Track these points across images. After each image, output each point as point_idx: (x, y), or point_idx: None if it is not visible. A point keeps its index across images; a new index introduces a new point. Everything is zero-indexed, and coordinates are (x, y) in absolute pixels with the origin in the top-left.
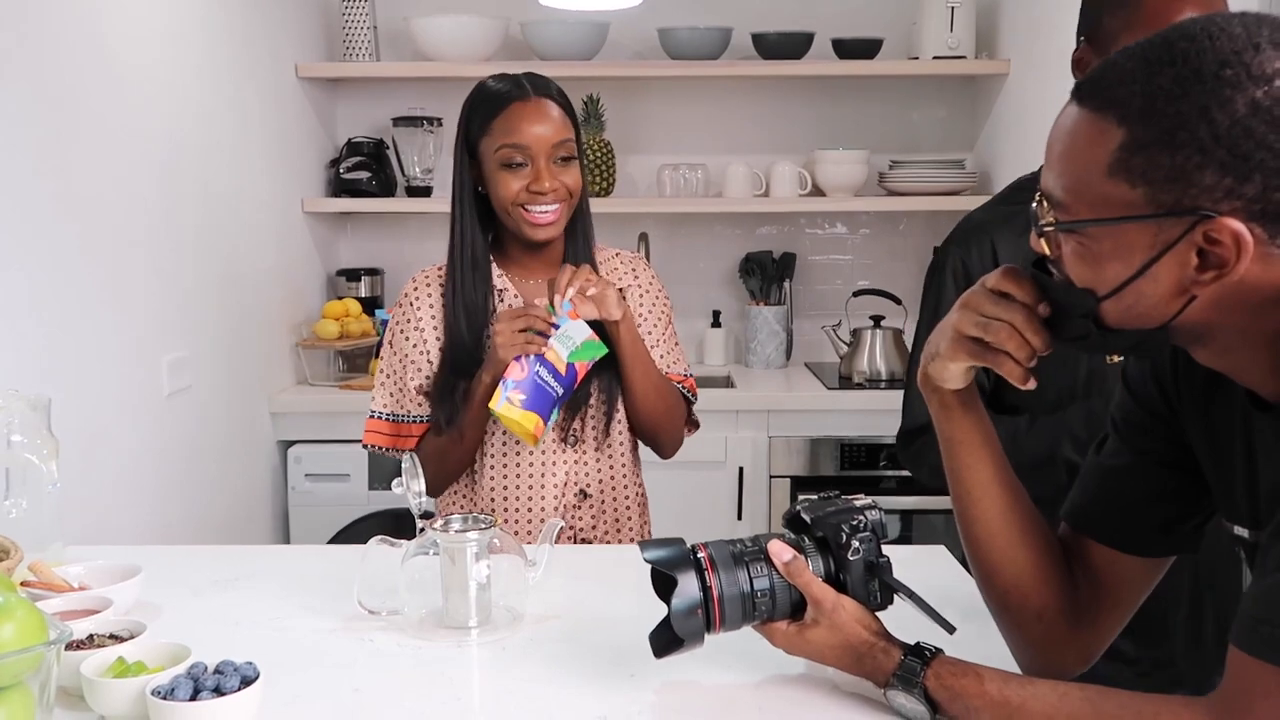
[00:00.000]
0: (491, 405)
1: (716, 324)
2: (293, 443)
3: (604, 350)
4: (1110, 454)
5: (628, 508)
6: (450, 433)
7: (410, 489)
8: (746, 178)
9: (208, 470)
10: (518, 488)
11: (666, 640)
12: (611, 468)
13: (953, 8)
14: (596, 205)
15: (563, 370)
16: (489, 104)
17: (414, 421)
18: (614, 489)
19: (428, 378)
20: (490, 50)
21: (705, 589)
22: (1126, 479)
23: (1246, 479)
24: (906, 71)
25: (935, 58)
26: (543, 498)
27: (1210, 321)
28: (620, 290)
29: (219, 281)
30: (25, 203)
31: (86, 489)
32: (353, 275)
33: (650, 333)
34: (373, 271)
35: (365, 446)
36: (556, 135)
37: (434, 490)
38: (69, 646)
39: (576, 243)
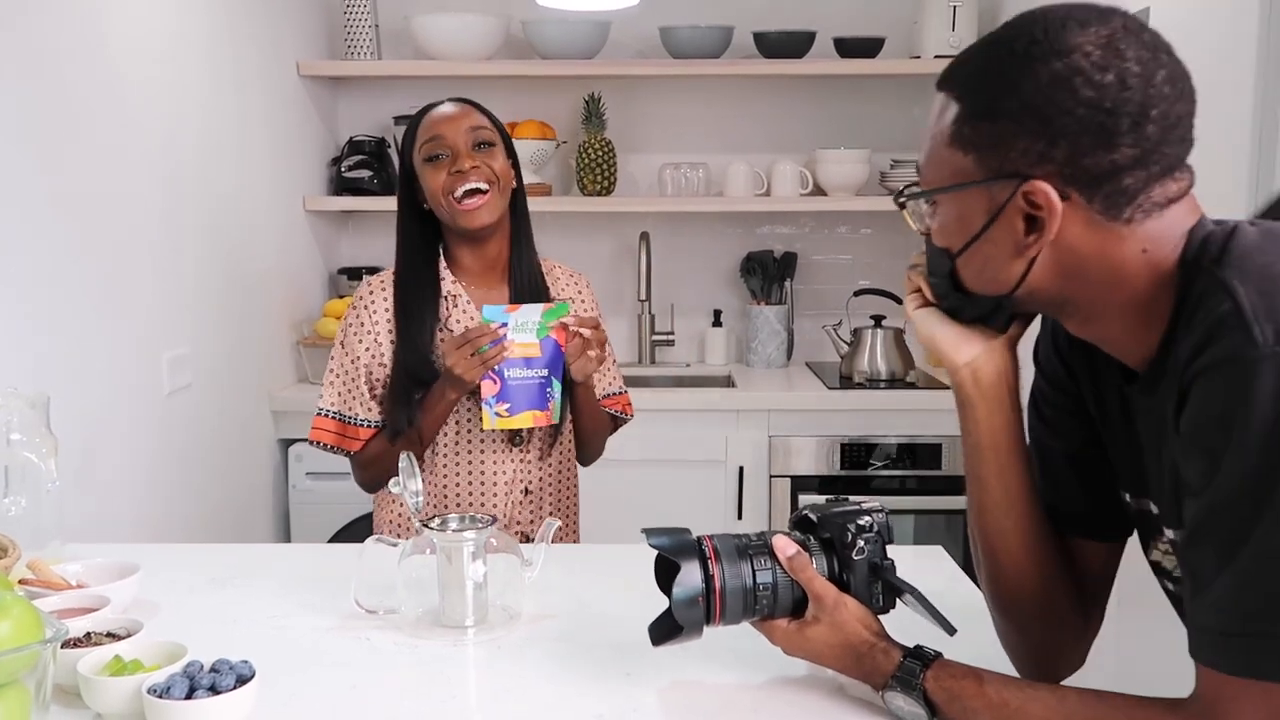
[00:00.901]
0: (485, 426)
1: (717, 323)
2: (294, 441)
3: (566, 308)
4: (1055, 446)
5: (568, 506)
6: (410, 434)
7: (407, 488)
8: (748, 177)
9: (208, 468)
10: (469, 484)
11: (666, 629)
12: (556, 469)
13: (955, 6)
14: (598, 205)
15: (538, 352)
16: (415, 122)
17: (360, 425)
18: (555, 488)
19: (380, 381)
20: (491, 49)
21: (708, 579)
22: (1068, 465)
23: (1130, 449)
24: (908, 71)
25: (937, 57)
26: (494, 494)
27: (1061, 290)
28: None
29: (220, 279)
30: (25, 200)
31: (86, 487)
32: (354, 274)
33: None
34: (374, 270)
35: (311, 443)
36: (471, 122)
37: (373, 488)
38: (66, 644)
39: (520, 247)
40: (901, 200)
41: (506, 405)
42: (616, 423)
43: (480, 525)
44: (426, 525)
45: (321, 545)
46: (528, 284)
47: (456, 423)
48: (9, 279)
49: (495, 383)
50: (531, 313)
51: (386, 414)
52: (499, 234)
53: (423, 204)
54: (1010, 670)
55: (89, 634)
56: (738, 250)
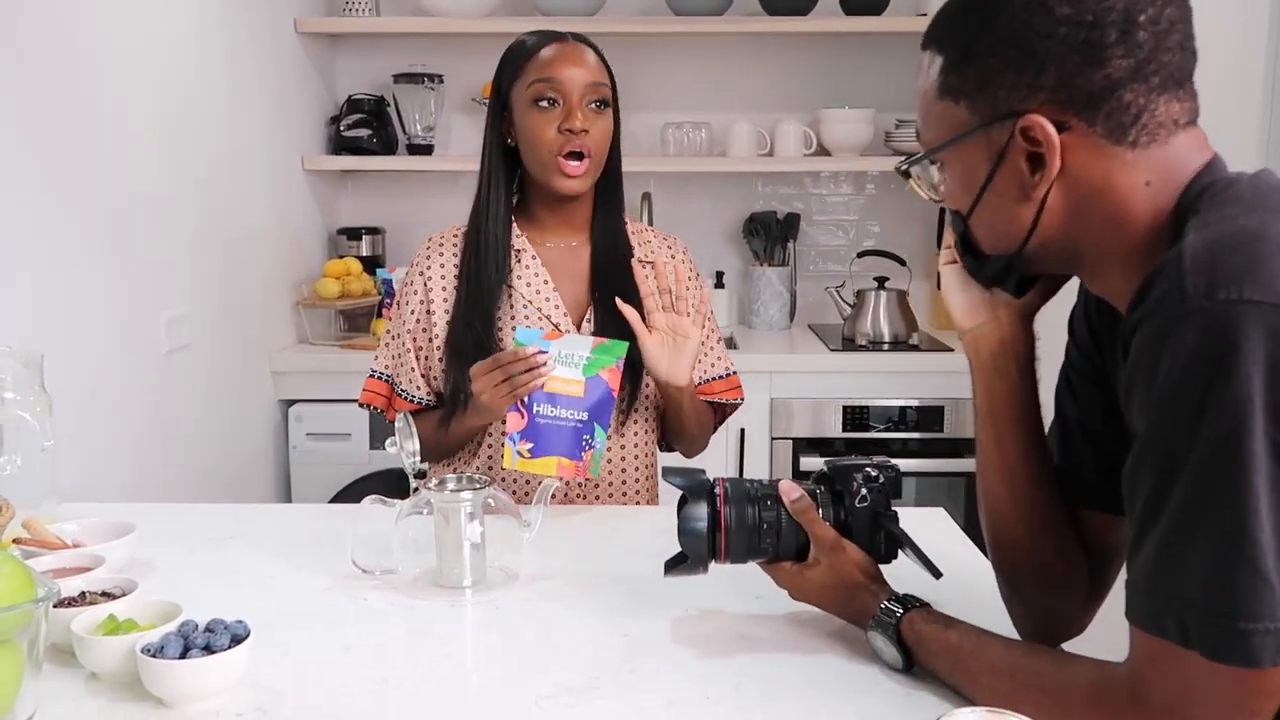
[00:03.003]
0: (505, 464)
1: (720, 285)
2: (294, 402)
3: (624, 347)
4: (1073, 414)
5: (637, 481)
6: (439, 428)
7: (404, 449)
8: (751, 136)
9: (208, 429)
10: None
11: (675, 559)
12: (623, 447)
13: None
14: None
15: (580, 392)
16: (524, 51)
17: (403, 396)
18: (623, 465)
19: (425, 354)
20: (492, 5)
21: (714, 515)
22: (1085, 434)
23: None
24: (914, 29)
25: None
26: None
27: (1070, 236)
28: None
29: (218, 239)
30: (19, 159)
31: (83, 447)
32: (354, 234)
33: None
34: (374, 230)
35: (361, 405)
36: (591, 76)
37: (431, 460)
38: (61, 604)
39: (606, 213)
40: (905, 170)
41: (529, 445)
42: (724, 411)
43: (478, 486)
44: (424, 486)
45: (320, 505)
46: (609, 245)
47: None
48: (3, 237)
49: (522, 417)
50: (578, 345)
51: (444, 377)
52: (586, 193)
53: (508, 140)
54: (1012, 632)
55: (83, 593)
56: (740, 211)
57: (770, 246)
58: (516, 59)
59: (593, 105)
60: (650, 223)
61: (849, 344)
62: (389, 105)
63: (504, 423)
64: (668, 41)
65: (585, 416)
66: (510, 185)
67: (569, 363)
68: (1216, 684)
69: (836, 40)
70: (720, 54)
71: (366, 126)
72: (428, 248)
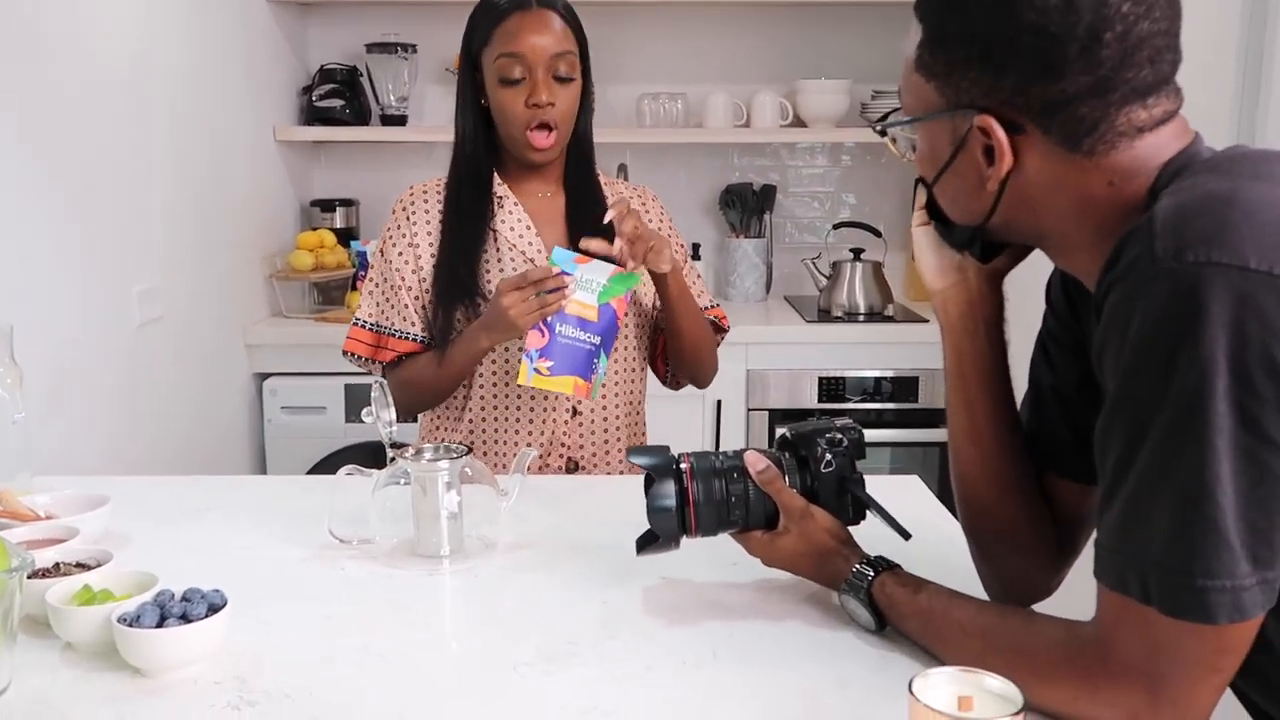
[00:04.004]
0: (521, 380)
1: (696, 256)
2: (268, 375)
3: (637, 279)
4: (1048, 382)
5: (617, 429)
6: (435, 365)
7: (380, 418)
8: (727, 108)
9: (182, 403)
10: (508, 400)
11: (646, 538)
12: (603, 395)
13: None
14: None
15: (594, 317)
16: (491, 13)
17: (395, 335)
18: (604, 411)
19: (415, 294)
20: None
21: (682, 492)
22: (1058, 402)
23: None
24: None
25: None
26: (537, 414)
27: (1035, 222)
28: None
29: (190, 211)
30: None
31: (56, 420)
32: (327, 206)
33: None
34: (347, 202)
35: (345, 354)
36: (556, 46)
37: (410, 413)
38: (35, 575)
39: (578, 165)
40: (880, 129)
41: (549, 363)
42: (717, 330)
43: (454, 455)
44: (400, 455)
45: (296, 477)
46: (583, 196)
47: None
48: None
49: (544, 335)
50: (599, 271)
51: (430, 327)
52: (556, 156)
53: (481, 100)
54: (984, 595)
55: (58, 564)
56: (717, 182)
57: (746, 218)
58: (484, 23)
59: (557, 77)
60: None
61: (825, 315)
62: (362, 75)
63: (522, 340)
64: (644, 11)
65: (598, 340)
66: (489, 138)
67: (588, 288)
68: (1181, 641)
69: (813, 11)
70: (697, 24)
71: (339, 97)
72: (410, 195)
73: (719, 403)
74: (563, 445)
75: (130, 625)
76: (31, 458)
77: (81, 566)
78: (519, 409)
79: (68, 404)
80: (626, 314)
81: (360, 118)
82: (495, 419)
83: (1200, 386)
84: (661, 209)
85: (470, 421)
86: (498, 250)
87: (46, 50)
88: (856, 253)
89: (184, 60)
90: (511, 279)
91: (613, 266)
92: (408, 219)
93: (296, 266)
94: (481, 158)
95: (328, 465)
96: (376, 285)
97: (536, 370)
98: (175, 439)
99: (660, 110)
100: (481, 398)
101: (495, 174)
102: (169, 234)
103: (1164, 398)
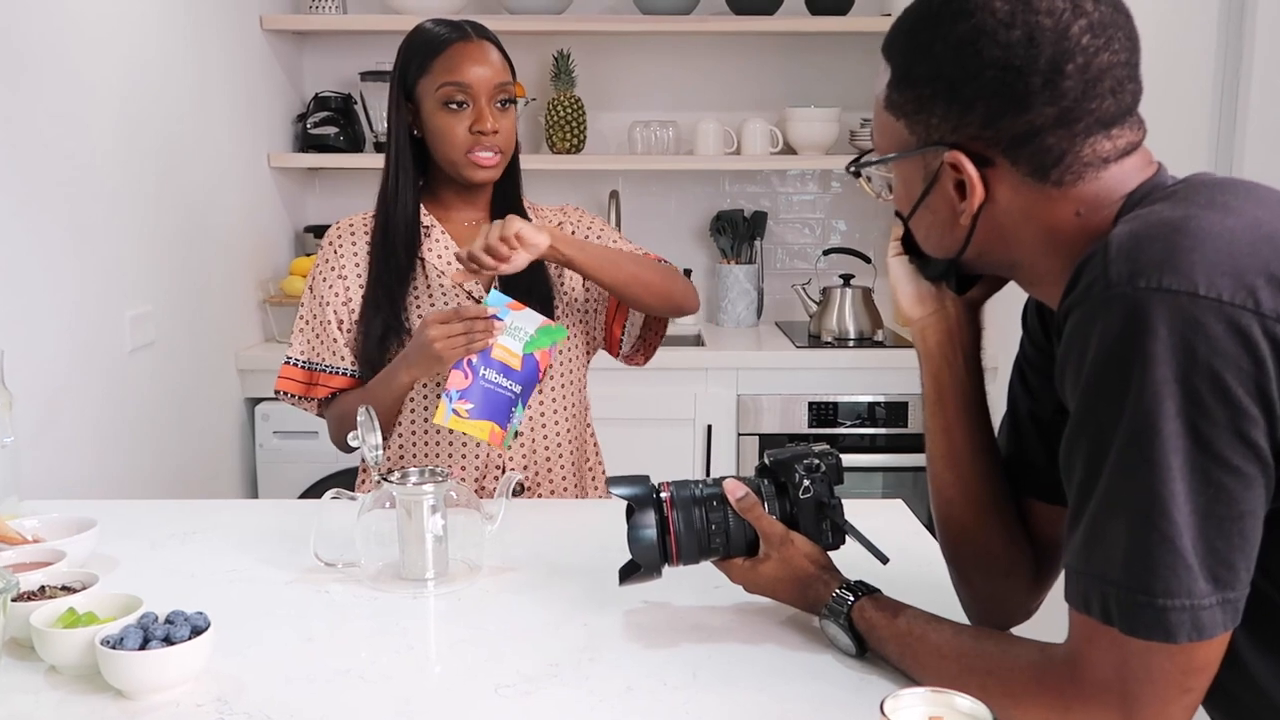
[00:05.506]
0: (437, 420)
1: None
2: (260, 400)
3: (564, 333)
4: (1025, 406)
5: (559, 444)
6: (361, 400)
7: (366, 442)
8: (718, 135)
9: (173, 427)
10: (439, 434)
11: (629, 568)
12: (542, 413)
13: None
14: (567, 162)
15: (518, 365)
16: (430, 45)
17: (326, 371)
18: (544, 429)
19: (346, 327)
20: (459, 3)
21: (662, 521)
22: (1035, 427)
23: None
24: (878, 29)
25: None
26: (465, 441)
27: (1005, 253)
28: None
29: (184, 237)
30: None
31: (46, 444)
32: (320, 231)
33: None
34: None
35: (277, 394)
36: (497, 77)
37: (348, 448)
38: (20, 598)
39: (505, 190)
40: (854, 170)
41: (470, 405)
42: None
43: (439, 479)
44: (386, 479)
45: (283, 501)
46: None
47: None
48: None
49: (467, 376)
50: (529, 321)
51: (359, 361)
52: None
53: (414, 132)
54: (963, 618)
55: (43, 587)
56: (707, 209)
57: (737, 244)
58: (422, 53)
59: (499, 104)
60: (618, 222)
61: (815, 341)
62: (356, 103)
63: (443, 378)
64: (635, 40)
65: (519, 390)
66: (417, 170)
67: (515, 335)
68: (1148, 661)
69: (802, 40)
70: (687, 53)
71: (333, 124)
72: (337, 230)
73: (709, 428)
74: (497, 469)
75: (113, 648)
76: (21, 481)
77: (67, 590)
78: (451, 430)
79: (58, 428)
80: (550, 367)
81: (354, 145)
82: (425, 440)
83: (1153, 407)
84: (593, 219)
85: (401, 436)
86: (426, 279)
87: (40, 77)
88: (846, 278)
89: (179, 87)
90: (442, 312)
91: (542, 318)
92: (335, 253)
93: (290, 292)
94: (410, 187)
95: (319, 490)
96: (307, 323)
97: (455, 411)
98: (167, 463)
99: (652, 137)
100: (413, 412)
101: (421, 205)
102: (162, 259)
103: (1119, 419)
